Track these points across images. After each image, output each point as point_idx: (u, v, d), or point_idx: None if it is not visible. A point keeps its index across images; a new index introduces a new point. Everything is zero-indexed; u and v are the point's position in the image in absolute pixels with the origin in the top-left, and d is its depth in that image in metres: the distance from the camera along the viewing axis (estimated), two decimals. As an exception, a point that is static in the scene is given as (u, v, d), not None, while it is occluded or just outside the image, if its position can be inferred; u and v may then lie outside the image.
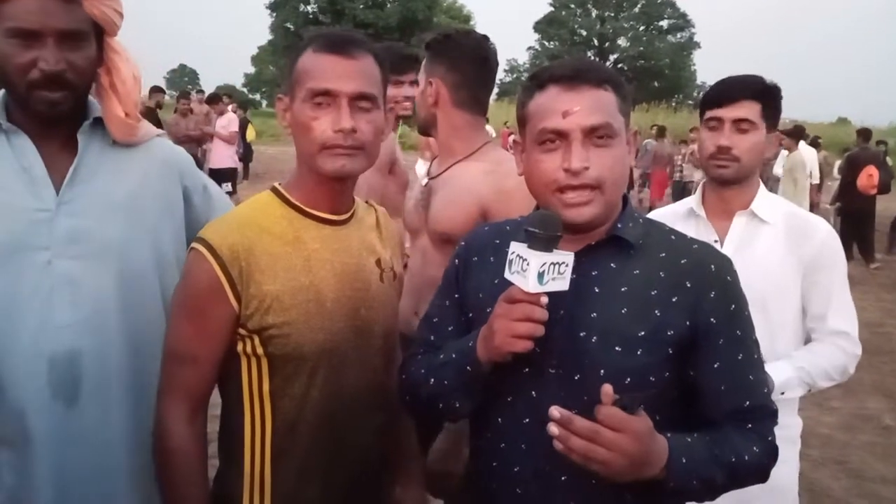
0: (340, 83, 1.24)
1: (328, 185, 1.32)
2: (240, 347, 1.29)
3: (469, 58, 1.88)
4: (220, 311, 1.25)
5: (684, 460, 1.08)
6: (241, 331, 1.27)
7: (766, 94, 1.83)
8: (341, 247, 1.35)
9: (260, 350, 1.28)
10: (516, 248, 1.10)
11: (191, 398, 1.29)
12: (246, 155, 14.30)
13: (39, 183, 1.37)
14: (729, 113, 1.81)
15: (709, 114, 1.86)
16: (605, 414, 1.01)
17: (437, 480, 1.69)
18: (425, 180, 1.97)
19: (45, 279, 1.35)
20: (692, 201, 1.98)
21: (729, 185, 1.87)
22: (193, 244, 1.28)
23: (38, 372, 1.34)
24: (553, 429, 1.02)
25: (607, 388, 1.02)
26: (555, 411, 1.02)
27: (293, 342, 1.27)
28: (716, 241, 1.84)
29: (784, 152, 9.24)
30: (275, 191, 1.35)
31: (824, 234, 1.85)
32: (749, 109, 1.81)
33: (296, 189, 1.34)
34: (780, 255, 1.83)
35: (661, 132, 12.88)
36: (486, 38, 1.94)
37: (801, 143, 10.00)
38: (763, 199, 1.89)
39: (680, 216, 1.95)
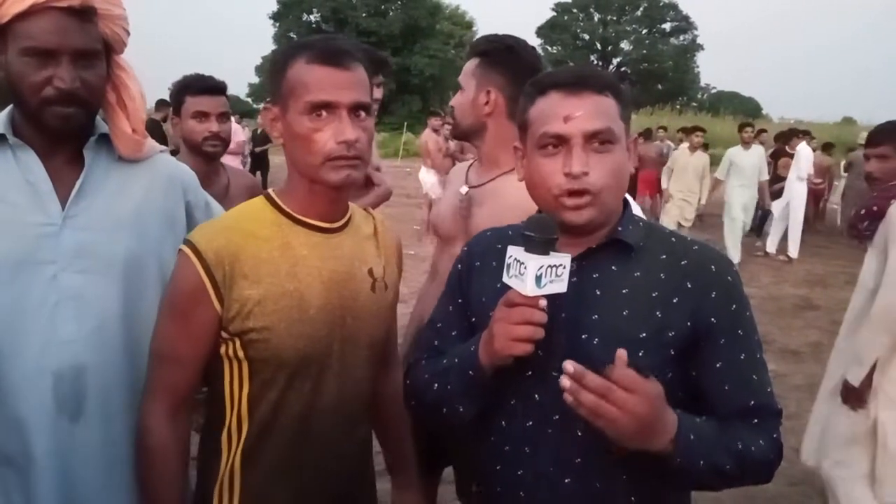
0: (340, 95, 1.23)
1: (322, 194, 1.31)
2: (222, 350, 1.29)
3: (529, 72, 1.85)
4: (203, 312, 1.25)
5: (692, 437, 1.08)
6: (224, 334, 1.27)
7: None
8: (332, 254, 1.33)
9: (241, 354, 1.28)
10: (513, 251, 1.10)
11: (172, 398, 1.30)
12: (262, 165, 13.21)
13: (45, 198, 1.38)
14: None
15: None
16: (619, 373, 1.01)
17: None
18: (465, 188, 1.96)
19: (51, 293, 1.35)
20: None
21: None
22: (181, 246, 1.28)
23: (44, 387, 1.34)
24: (565, 381, 1.02)
25: (622, 353, 1.03)
26: (568, 365, 1.02)
27: (272, 347, 1.26)
28: None
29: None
30: (267, 197, 1.35)
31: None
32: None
33: (288, 196, 1.34)
34: None
35: (647, 134, 12.80)
36: (536, 50, 1.96)
37: (802, 144, 10.03)
38: None
39: None
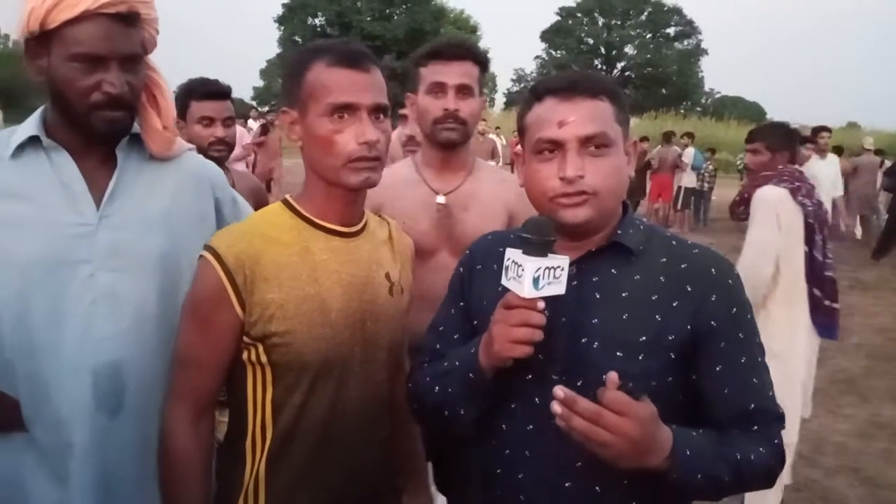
0: (361, 96, 1.25)
1: (340, 197, 1.32)
2: (245, 356, 1.29)
3: None
4: (225, 317, 1.26)
5: (688, 452, 1.08)
6: (246, 339, 1.27)
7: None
8: (350, 259, 1.35)
9: (263, 358, 1.28)
10: (512, 254, 1.10)
11: (195, 402, 1.30)
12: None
13: (80, 198, 1.39)
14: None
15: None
16: (610, 397, 1.00)
17: None
18: (441, 198, 1.96)
19: (87, 292, 1.37)
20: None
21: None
22: (202, 252, 1.28)
23: (83, 383, 1.36)
24: (556, 407, 1.01)
25: (613, 375, 1.02)
26: (559, 391, 1.02)
27: (295, 351, 1.27)
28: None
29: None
30: (285, 202, 1.36)
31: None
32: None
33: (306, 201, 1.35)
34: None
35: (667, 137, 12.77)
36: None
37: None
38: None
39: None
